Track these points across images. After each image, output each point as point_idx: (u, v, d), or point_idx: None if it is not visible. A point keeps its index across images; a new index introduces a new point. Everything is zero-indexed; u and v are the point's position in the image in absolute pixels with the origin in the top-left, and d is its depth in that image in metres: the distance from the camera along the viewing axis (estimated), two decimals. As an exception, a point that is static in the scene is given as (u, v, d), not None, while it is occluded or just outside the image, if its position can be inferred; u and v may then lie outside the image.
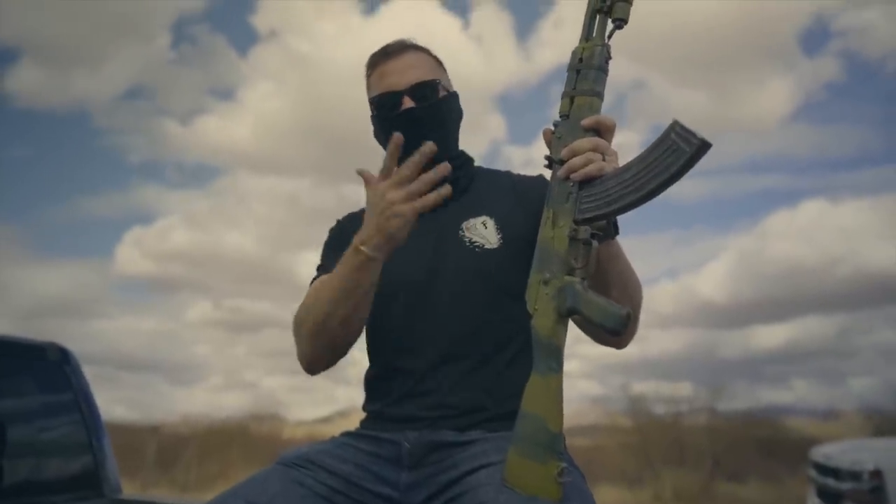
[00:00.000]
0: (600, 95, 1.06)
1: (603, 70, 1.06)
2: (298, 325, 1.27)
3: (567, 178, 1.05)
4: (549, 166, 1.09)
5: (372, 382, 1.35)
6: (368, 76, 1.36)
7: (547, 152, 1.10)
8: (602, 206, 1.01)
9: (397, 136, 1.11)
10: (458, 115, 1.37)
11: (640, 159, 0.97)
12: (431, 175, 1.10)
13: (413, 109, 1.28)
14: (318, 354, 1.26)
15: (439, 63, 1.38)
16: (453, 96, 1.36)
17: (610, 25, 1.07)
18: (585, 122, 1.05)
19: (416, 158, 1.10)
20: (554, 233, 1.05)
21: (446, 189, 1.10)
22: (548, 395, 1.01)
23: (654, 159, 0.95)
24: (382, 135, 1.32)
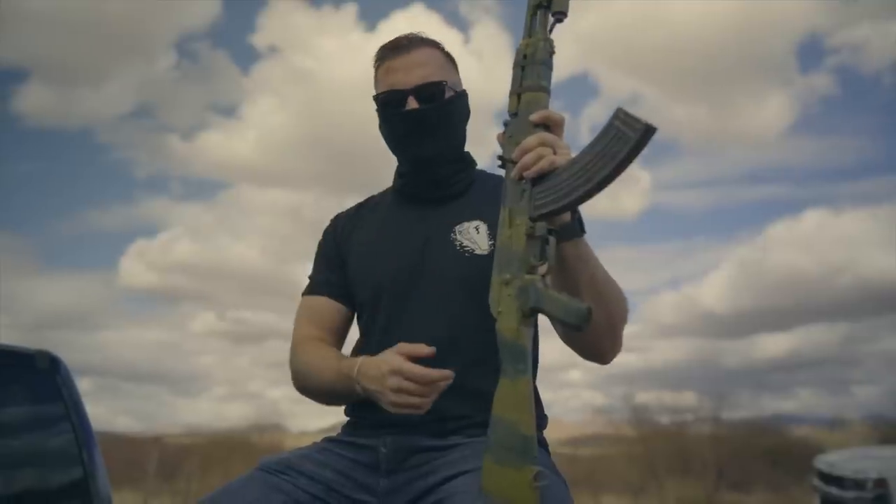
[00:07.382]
0: (547, 90, 1.06)
1: (547, 65, 1.06)
2: (295, 366, 1.34)
3: (521, 177, 1.03)
4: (502, 166, 1.09)
5: None
6: (376, 68, 1.33)
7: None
8: (556, 199, 0.99)
9: (446, 374, 1.09)
10: (465, 114, 1.34)
11: (588, 150, 0.96)
12: (424, 400, 1.09)
13: (418, 111, 1.26)
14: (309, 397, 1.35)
15: (449, 59, 1.34)
16: (460, 96, 1.32)
17: (551, 20, 1.06)
18: (534, 116, 1.04)
19: (433, 377, 1.08)
20: (511, 231, 1.04)
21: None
22: (517, 399, 0.99)
23: (601, 148, 0.94)
24: (387, 131, 1.31)
